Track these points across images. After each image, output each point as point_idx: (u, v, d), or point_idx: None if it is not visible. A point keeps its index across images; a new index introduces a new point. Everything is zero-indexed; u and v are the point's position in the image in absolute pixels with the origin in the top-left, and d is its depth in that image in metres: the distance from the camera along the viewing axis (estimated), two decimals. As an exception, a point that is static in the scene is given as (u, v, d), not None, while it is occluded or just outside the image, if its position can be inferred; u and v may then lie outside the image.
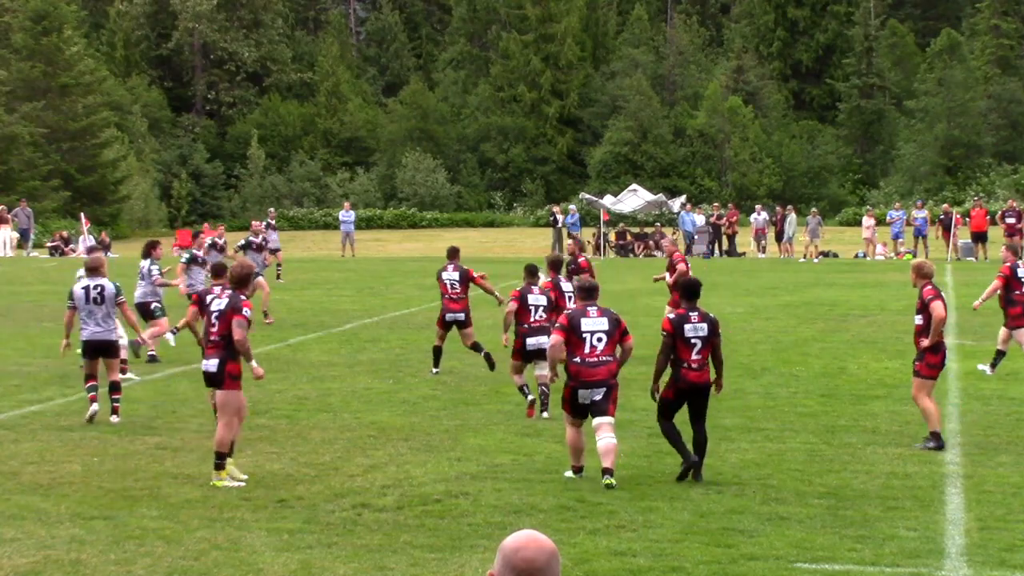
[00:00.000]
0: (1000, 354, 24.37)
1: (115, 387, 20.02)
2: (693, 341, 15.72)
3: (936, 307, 17.66)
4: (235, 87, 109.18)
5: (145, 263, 27.01)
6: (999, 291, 24.29)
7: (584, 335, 15.81)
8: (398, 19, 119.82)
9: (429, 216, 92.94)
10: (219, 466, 15.69)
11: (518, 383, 20.55)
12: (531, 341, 20.40)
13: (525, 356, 20.48)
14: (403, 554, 12.85)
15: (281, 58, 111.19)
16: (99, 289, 20.19)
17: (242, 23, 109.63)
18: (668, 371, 15.98)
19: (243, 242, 36.52)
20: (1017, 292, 24.11)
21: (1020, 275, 24.19)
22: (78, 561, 12.62)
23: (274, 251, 35.87)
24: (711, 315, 16.10)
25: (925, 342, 17.81)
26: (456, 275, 24.43)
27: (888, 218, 63.58)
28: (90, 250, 37.22)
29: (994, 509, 14.74)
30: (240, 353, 15.81)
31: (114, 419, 19.74)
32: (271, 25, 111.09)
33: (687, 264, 27.17)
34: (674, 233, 67.46)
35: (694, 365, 15.73)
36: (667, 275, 27.11)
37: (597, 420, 15.68)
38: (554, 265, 22.29)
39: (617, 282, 43.68)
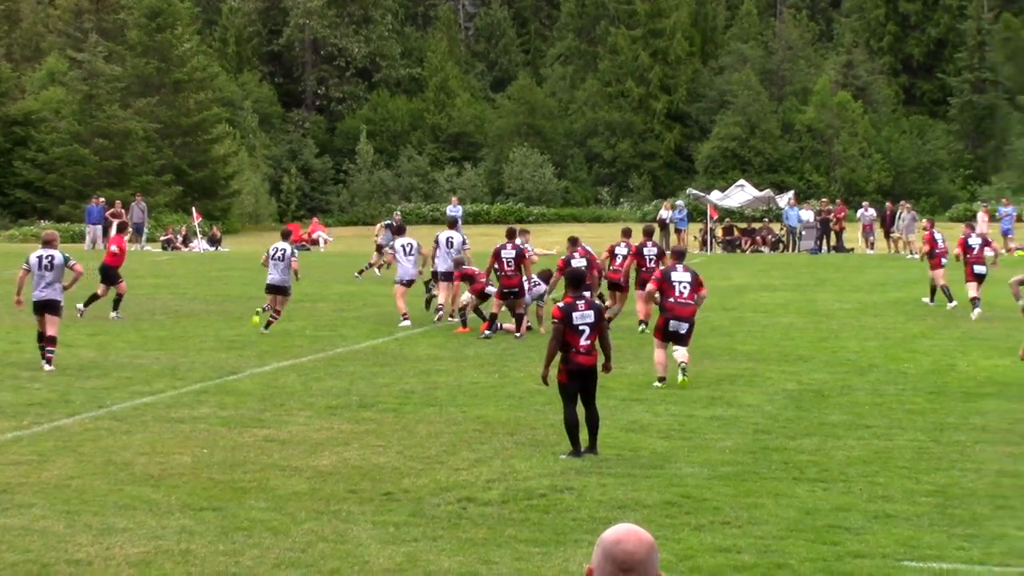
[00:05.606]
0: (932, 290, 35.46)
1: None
2: (581, 328, 16.83)
3: None
4: (344, 83, 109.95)
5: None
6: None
7: (675, 283, 22.30)
8: (507, 14, 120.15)
9: (536, 211, 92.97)
10: None
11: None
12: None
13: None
14: (507, 548, 12.89)
15: (390, 54, 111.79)
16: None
17: (352, 19, 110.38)
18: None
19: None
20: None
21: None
22: (188, 551, 12.78)
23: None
24: (597, 303, 17.76)
25: None
26: (512, 253, 30.25)
27: (997, 214, 62.65)
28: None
29: (1106, 509, 14.51)
30: None
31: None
32: (380, 21, 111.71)
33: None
34: (781, 229, 67.04)
35: (582, 349, 16.84)
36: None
37: (678, 346, 22.18)
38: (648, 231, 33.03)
39: (723, 278, 43.49)
